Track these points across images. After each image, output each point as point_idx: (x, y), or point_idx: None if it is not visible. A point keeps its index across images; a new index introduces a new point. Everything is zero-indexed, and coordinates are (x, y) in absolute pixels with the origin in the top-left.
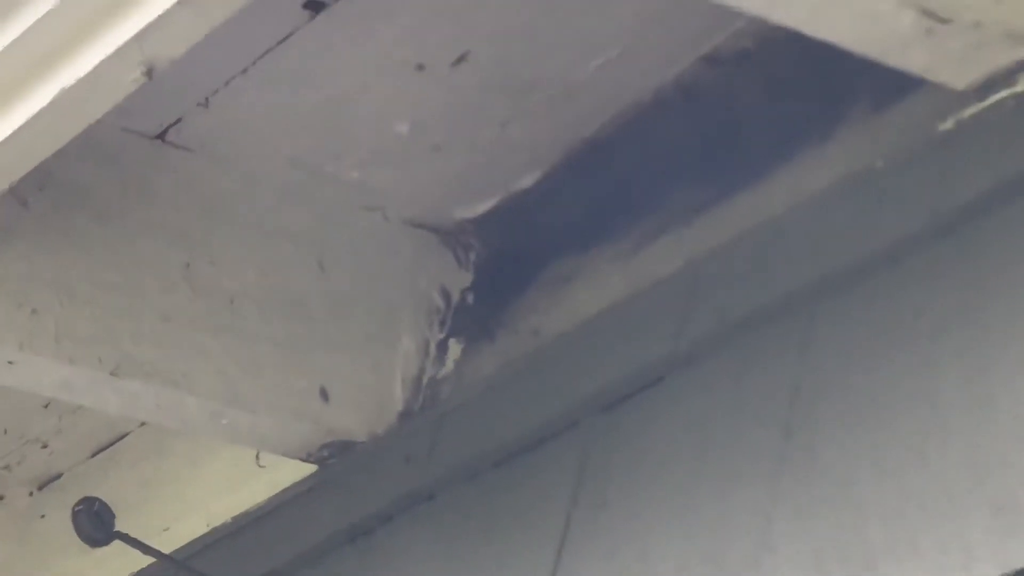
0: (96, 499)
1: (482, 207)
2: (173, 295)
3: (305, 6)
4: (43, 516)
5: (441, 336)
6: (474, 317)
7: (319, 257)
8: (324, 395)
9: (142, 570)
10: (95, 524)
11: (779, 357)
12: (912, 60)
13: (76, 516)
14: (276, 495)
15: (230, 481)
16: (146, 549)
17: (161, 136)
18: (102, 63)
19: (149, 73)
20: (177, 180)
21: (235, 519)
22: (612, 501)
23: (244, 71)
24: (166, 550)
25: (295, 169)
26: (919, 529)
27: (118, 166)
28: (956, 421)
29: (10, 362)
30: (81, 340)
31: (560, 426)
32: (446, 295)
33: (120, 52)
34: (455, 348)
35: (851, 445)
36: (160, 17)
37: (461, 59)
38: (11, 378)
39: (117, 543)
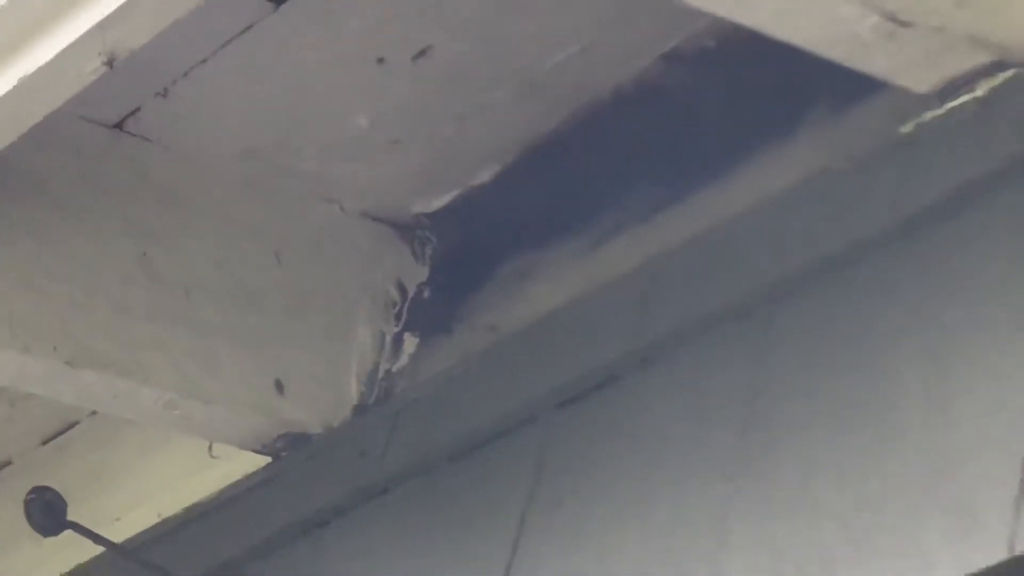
0: (48, 488)
1: (440, 201)
2: (129, 286)
3: None
4: None
5: (397, 330)
6: (430, 312)
7: (276, 249)
8: (279, 387)
9: (92, 560)
10: (47, 513)
11: (737, 357)
12: (874, 63)
13: (28, 505)
14: (229, 487)
15: (182, 472)
16: (98, 539)
17: (119, 125)
18: (63, 52)
19: (110, 63)
20: (134, 170)
21: (187, 510)
22: (568, 498)
23: (204, 61)
24: (117, 540)
25: (253, 160)
26: (876, 531)
27: (75, 155)
28: (914, 423)
29: None
30: (36, 330)
31: (516, 422)
32: (402, 289)
33: (81, 41)
34: (411, 342)
35: (809, 446)
36: (122, 6)
37: (422, 53)
38: None
39: (68, 532)
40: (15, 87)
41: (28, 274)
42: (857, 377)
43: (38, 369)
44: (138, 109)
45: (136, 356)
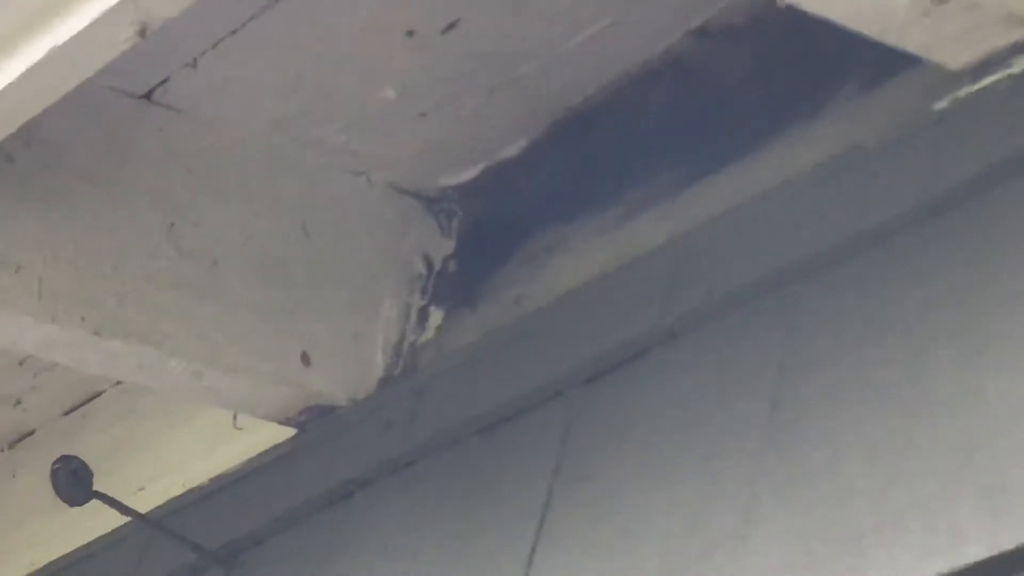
0: (74, 457)
1: (466, 175)
2: (156, 256)
3: None
4: (15, 475)
5: (423, 303)
6: (456, 285)
7: (303, 221)
8: (305, 359)
9: (116, 530)
10: (73, 483)
11: (766, 333)
12: (909, 39)
13: (55, 474)
14: (254, 458)
15: (207, 443)
16: (123, 509)
17: (148, 96)
18: (95, 21)
19: (142, 32)
20: (162, 141)
21: (212, 481)
22: (595, 473)
23: (233, 32)
24: (141, 510)
25: (281, 132)
26: (906, 509)
27: (104, 125)
28: (945, 402)
29: None
30: (64, 299)
31: (543, 396)
32: (428, 262)
33: (114, 10)
34: (436, 315)
35: (838, 423)
36: None
37: (451, 27)
38: None
39: (93, 502)
40: (45, 56)
41: (56, 244)
42: (887, 354)
43: (65, 338)
44: (167, 80)
45: (162, 327)
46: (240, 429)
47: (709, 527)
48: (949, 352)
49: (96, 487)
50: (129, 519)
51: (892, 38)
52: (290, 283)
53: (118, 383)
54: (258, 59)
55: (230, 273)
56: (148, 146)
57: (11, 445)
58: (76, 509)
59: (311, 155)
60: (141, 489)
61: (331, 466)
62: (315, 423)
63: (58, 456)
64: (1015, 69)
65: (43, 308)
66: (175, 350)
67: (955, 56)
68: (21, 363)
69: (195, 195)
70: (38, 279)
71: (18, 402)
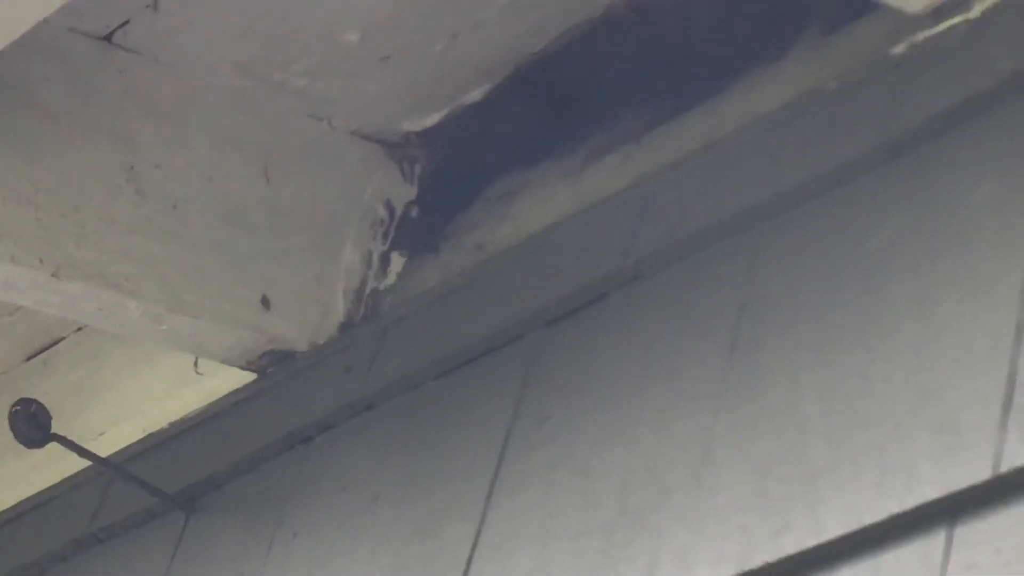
0: (33, 400)
1: (429, 120)
2: (116, 199)
3: None
4: None
5: (384, 248)
6: (418, 230)
7: (264, 165)
8: (266, 303)
9: (77, 474)
10: (32, 425)
11: (726, 275)
12: None
13: (13, 417)
14: (214, 403)
15: (167, 388)
16: (82, 452)
17: (108, 38)
18: None
19: None
20: (123, 83)
21: (171, 425)
22: (554, 415)
23: None
24: (101, 455)
25: (242, 76)
26: (862, 449)
27: (64, 66)
28: (902, 343)
29: None
30: (23, 240)
31: (503, 339)
32: (390, 208)
33: None
34: (398, 261)
35: (796, 364)
36: None
37: None
38: None
39: (53, 446)
40: None
41: (15, 184)
42: (846, 297)
43: (24, 280)
44: (127, 22)
45: (122, 269)
46: (200, 374)
47: (667, 467)
48: (907, 293)
49: (58, 432)
50: (89, 464)
51: None
52: (251, 227)
53: (79, 329)
54: (220, 1)
55: (190, 216)
56: (109, 88)
57: None
58: (37, 454)
59: (273, 99)
60: (101, 434)
61: (291, 410)
62: (275, 368)
63: (17, 399)
64: (973, 13)
65: (2, 249)
66: (134, 292)
67: (913, 0)
68: None
69: (156, 137)
70: None
71: None
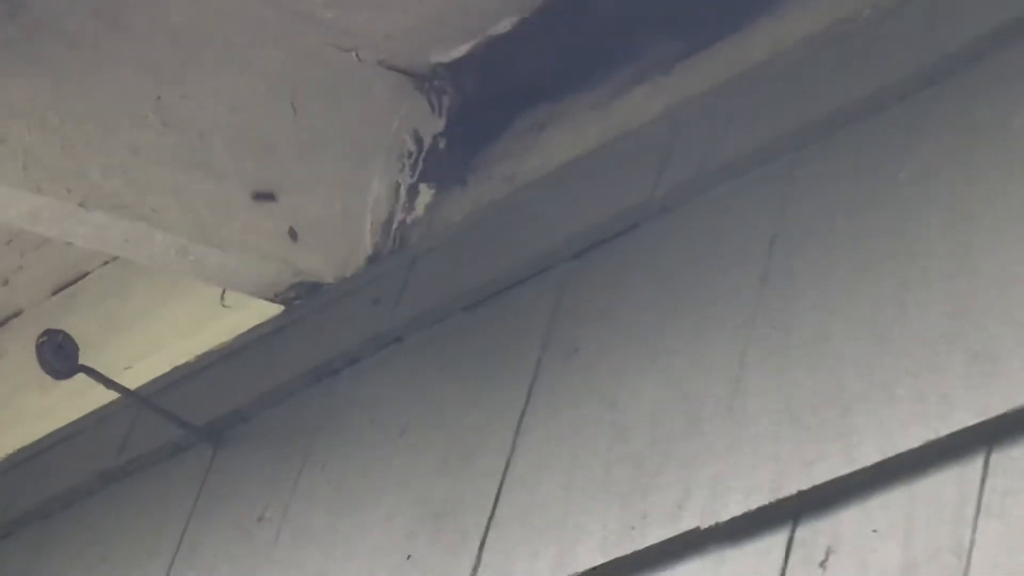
0: (60, 331)
1: (458, 51)
2: (143, 129)
3: None
4: (2, 355)
5: (412, 181)
6: (446, 163)
7: (291, 96)
8: (293, 235)
9: (104, 407)
10: (59, 356)
11: (758, 205)
12: None
13: (40, 348)
14: (241, 335)
15: (194, 322)
16: (109, 383)
17: None
18: None
19: None
20: (150, 12)
21: (199, 358)
22: (584, 346)
23: None
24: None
25: (269, 6)
26: (896, 377)
27: None
28: (937, 270)
29: None
30: (50, 170)
31: (532, 271)
32: (418, 140)
33: None
34: (426, 193)
35: (828, 293)
36: None
37: None
38: None
39: (80, 379)
40: None
41: (42, 113)
42: (879, 225)
43: (50, 210)
44: None
45: (149, 200)
46: (227, 307)
47: (697, 398)
48: (942, 220)
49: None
50: (116, 397)
51: None
52: (278, 159)
53: (105, 263)
54: None
55: (218, 147)
56: (136, 17)
57: None
58: (63, 387)
59: (300, 29)
60: (128, 367)
61: (318, 343)
62: (302, 300)
63: (44, 330)
64: None
65: (28, 178)
66: (161, 224)
67: None
68: (8, 242)
69: (182, 68)
70: (23, 149)
71: (5, 282)
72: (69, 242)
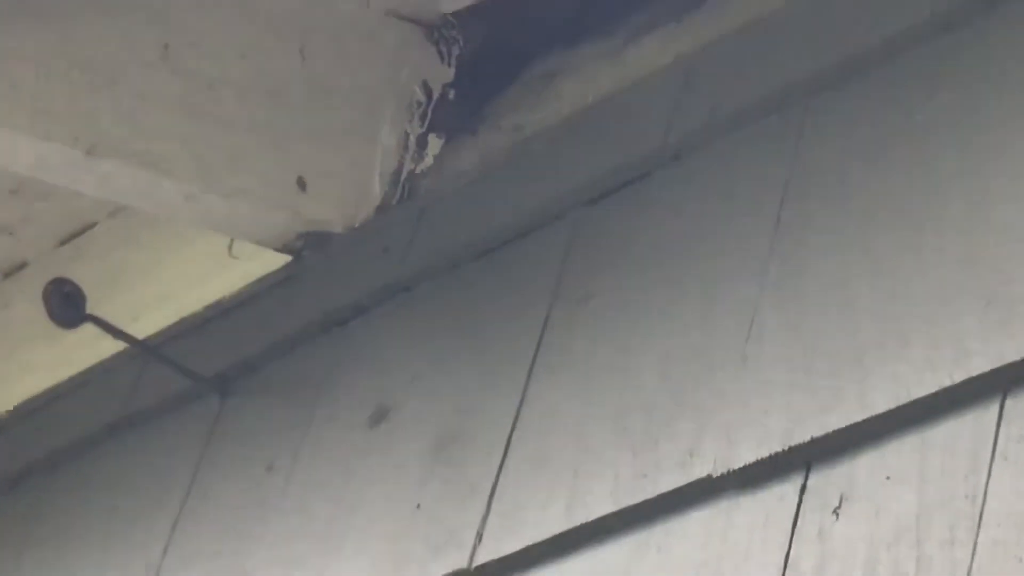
0: (67, 280)
1: (467, 1)
2: (151, 76)
3: None
4: (8, 305)
5: (421, 131)
6: (455, 112)
7: (300, 45)
8: (301, 185)
9: (110, 358)
10: (66, 305)
11: (770, 152)
12: None
13: (47, 296)
14: (249, 285)
15: (202, 272)
16: (117, 333)
17: None
18: None
19: None
20: None
21: (207, 308)
22: (595, 293)
23: None
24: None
25: None
26: (910, 324)
27: None
28: (951, 216)
29: None
30: (57, 117)
31: (543, 219)
32: (427, 90)
33: None
34: (435, 143)
35: (843, 240)
36: None
37: None
38: None
39: (87, 329)
40: None
41: (48, 60)
42: (894, 172)
43: (57, 157)
44: None
45: (157, 148)
46: (235, 258)
47: (710, 346)
48: (957, 167)
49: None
50: (122, 348)
51: None
52: (287, 107)
53: (112, 213)
54: None
55: (226, 95)
56: None
57: (5, 276)
58: (69, 338)
59: None
60: (135, 319)
61: (327, 292)
62: (311, 250)
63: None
64: None
65: (34, 126)
66: (169, 172)
67: None
68: (14, 192)
69: (190, 14)
70: (30, 96)
71: (11, 233)
72: (76, 191)
